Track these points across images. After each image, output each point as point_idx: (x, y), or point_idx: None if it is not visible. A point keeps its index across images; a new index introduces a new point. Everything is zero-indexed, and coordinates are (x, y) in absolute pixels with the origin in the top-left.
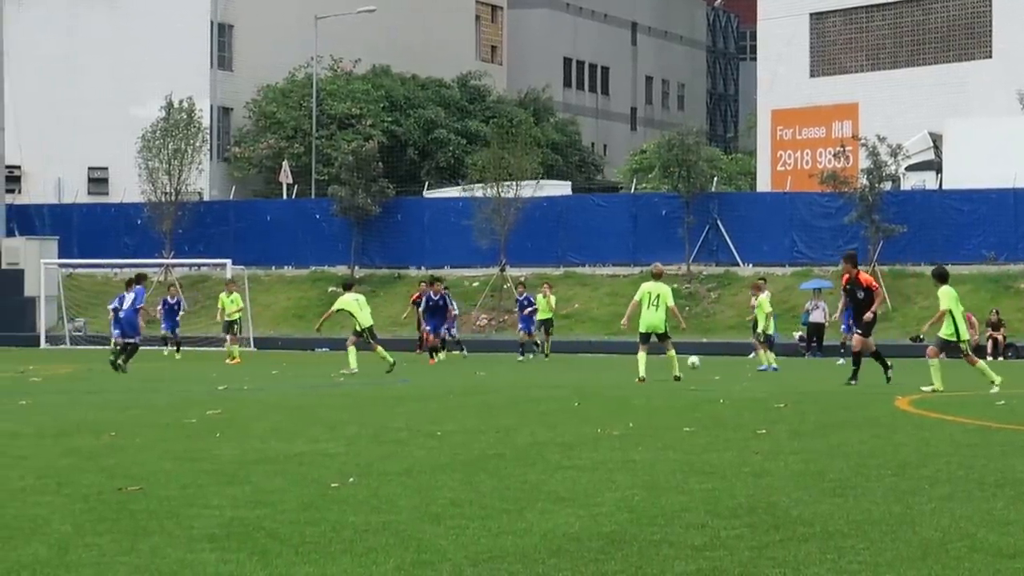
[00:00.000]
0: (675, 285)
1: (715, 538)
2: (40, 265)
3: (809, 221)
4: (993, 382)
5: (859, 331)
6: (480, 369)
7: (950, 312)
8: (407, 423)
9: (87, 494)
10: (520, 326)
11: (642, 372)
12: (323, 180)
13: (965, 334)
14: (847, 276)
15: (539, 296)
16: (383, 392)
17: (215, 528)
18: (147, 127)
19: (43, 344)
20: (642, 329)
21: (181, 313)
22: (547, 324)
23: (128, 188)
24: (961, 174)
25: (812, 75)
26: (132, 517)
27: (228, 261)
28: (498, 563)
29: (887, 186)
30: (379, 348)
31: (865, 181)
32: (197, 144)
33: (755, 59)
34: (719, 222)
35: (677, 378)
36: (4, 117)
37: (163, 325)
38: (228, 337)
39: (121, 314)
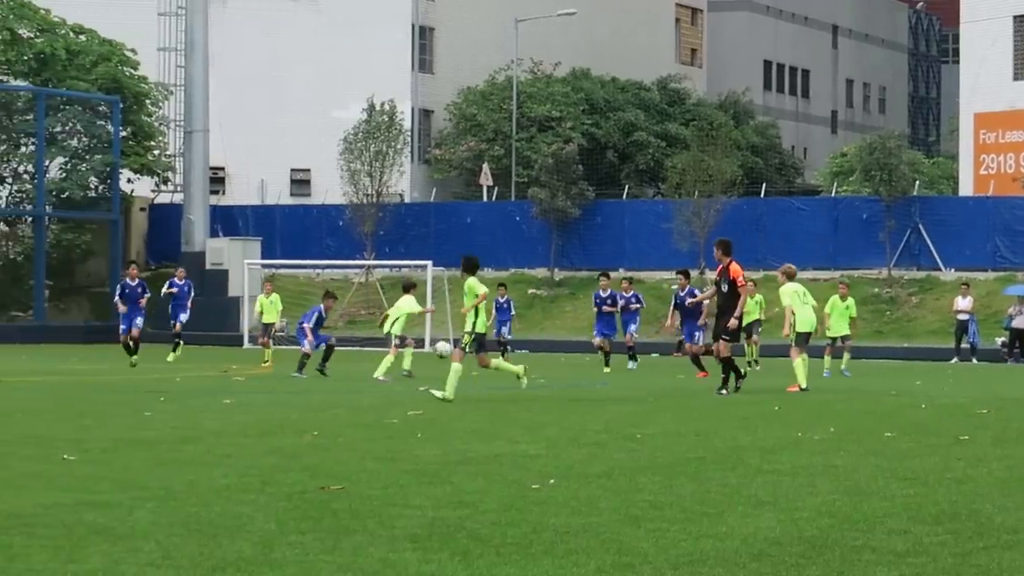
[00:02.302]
0: (876, 290)
1: (917, 544)
2: (244, 265)
3: (1012, 225)
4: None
5: (724, 336)
6: (679, 372)
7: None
8: (606, 426)
9: (290, 493)
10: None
11: (804, 381)
12: (523, 182)
13: (482, 327)
14: (720, 267)
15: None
16: (582, 394)
17: (417, 528)
18: (349, 129)
19: (246, 344)
20: (801, 329)
21: (192, 297)
22: (754, 325)
23: (330, 190)
24: None
25: (1016, 78)
26: (334, 516)
27: (429, 263)
28: (699, 566)
29: None
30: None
31: None
32: (398, 146)
33: (957, 62)
34: (920, 226)
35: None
36: (209, 119)
37: (172, 316)
38: (262, 340)
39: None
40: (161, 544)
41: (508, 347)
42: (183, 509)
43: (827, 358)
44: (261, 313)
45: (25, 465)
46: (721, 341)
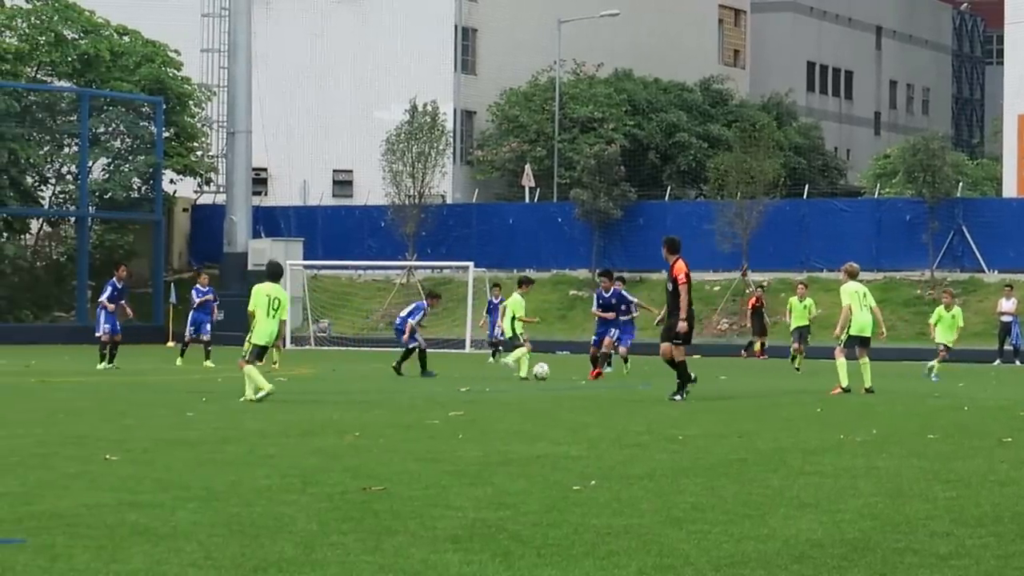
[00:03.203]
0: (918, 291)
1: (960, 547)
2: (286, 266)
3: None
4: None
5: (676, 340)
6: (721, 374)
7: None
8: (648, 427)
9: (332, 493)
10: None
11: (845, 381)
12: (565, 183)
13: (260, 338)
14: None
15: (793, 299)
16: (624, 396)
17: (458, 529)
18: (391, 130)
19: (288, 345)
20: (855, 332)
21: (216, 303)
22: (804, 331)
23: (372, 191)
24: None
25: None
26: (376, 517)
27: (470, 264)
28: (740, 568)
29: None
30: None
31: None
32: (440, 147)
33: (1001, 63)
34: (964, 228)
35: (869, 390)
36: (251, 120)
37: (196, 324)
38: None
39: (397, 321)
40: (203, 544)
41: (500, 348)
42: (225, 509)
43: (936, 363)
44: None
45: (67, 465)
46: (671, 344)
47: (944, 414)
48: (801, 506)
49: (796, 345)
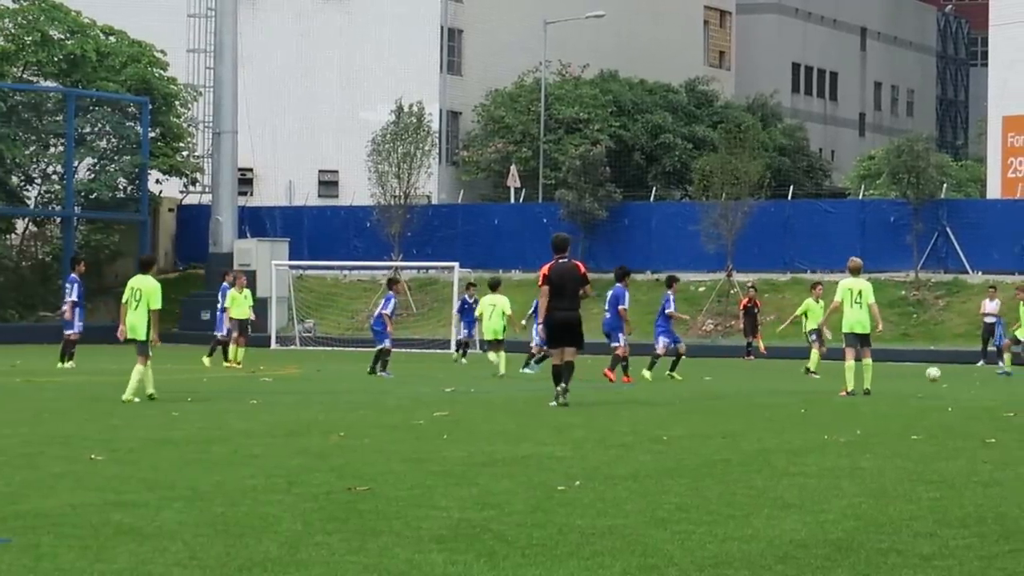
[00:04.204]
0: (902, 292)
1: (943, 547)
2: (271, 266)
3: None
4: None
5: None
6: (706, 374)
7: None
8: (633, 428)
9: (317, 493)
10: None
11: (851, 384)
12: (550, 184)
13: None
14: None
15: (810, 299)
16: (609, 396)
17: (443, 529)
18: (377, 131)
19: (273, 345)
20: (847, 329)
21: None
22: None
23: (358, 191)
24: None
25: None
26: (361, 517)
27: (456, 264)
28: (724, 569)
29: None
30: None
31: None
32: (426, 148)
33: (986, 65)
34: (948, 229)
35: (867, 392)
36: (237, 120)
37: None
38: (236, 337)
39: (373, 321)
40: (188, 544)
41: (468, 347)
42: (210, 509)
43: None
44: (229, 308)
45: (53, 465)
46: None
47: (928, 415)
48: (785, 507)
49: (818, 346)
